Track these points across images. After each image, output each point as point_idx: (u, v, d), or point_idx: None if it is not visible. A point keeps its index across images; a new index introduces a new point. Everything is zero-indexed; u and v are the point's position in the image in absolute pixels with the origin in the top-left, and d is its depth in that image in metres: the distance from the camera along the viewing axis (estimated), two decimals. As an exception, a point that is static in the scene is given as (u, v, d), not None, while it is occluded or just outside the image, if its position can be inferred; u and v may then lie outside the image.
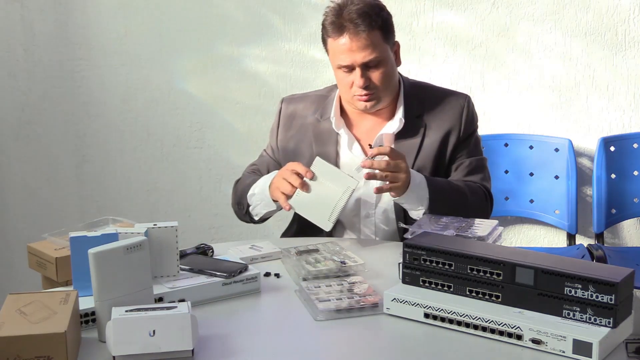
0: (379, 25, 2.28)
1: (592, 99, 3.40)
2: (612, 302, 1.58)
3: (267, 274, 2.04)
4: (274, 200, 2.30)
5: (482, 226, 2.04)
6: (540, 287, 1.66)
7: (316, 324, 1.76)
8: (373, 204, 2.37)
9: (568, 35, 3.37)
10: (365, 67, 2.28)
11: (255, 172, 2.49)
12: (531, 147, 3.44)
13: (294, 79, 3.56)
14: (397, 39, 2.38)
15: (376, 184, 2.24)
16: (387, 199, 2.35)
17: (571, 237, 3.41)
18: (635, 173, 3.39)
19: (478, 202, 2.32)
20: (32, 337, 1.53)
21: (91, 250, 1.65)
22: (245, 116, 3.65)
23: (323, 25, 2.33)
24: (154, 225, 1.87)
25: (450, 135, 2.37)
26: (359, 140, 2.40)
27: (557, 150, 3.40)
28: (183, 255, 2.00)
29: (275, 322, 1.84)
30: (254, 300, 1.91)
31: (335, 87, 2.47)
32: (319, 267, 1.99)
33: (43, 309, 1.63)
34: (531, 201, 3.45)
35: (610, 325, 1.59)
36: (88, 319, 1.74)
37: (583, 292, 1.61)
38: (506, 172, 3.46)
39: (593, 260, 3.15)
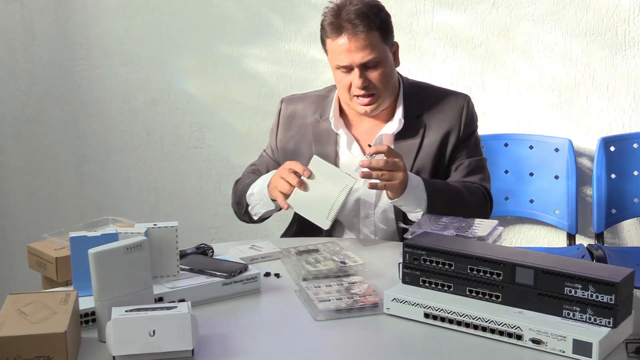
0: (377, 26, 2.28)
1: (592, 99, 3.40)
2: (612, 302, 1.58)
3: (267, 274, 2.04)
4: (272, 200, 2.30)
5: (482, 226, 2.04)
6: (540, 287, 1.66)
7: (316, 324, 1.76)
8: (372, 204, 2.37)
9: (568, 35, 3.37)
10: (364, 67, 2.28)
11: (255, 172, 2.49)
12: (531, 147, 3.44)
13: (294, 79, 3.56)
14: (396, 39, 2.38)
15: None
16: (387, 199, 2.34)
17: (571, 237, 3.41)
18: (635, 173, 3.39)
19: (477, 203, 2.32)
20: (32, 337, 1.53)
21: (91, 250, 1.65)
22: (245, 116, 3.65)
23: (322, 25, 2.33)
24: (154, 225, 1.87)
25: (450, 136, 2.37)
26: (358, 141, 2.40)
27: (557, 150, 3.40)
28: (183, 255, 2.00)
29: (275, 322, 1.84)
30: (254, 300, 1.91)
31: (334, 87, 2.47)
32: (319, 267, 1.99)
33: (43, 309, 1.63)
34: (531, 201, 3.45)
35: (610, 325, 1.59)
36: (88, 319, 1.74)
37: (583, 292, 1.61)
38: (506, 172, 3.46)
39: (593, 260, 3.15)
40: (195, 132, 3.70)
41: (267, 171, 2.42)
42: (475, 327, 1.67)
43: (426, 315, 1.73)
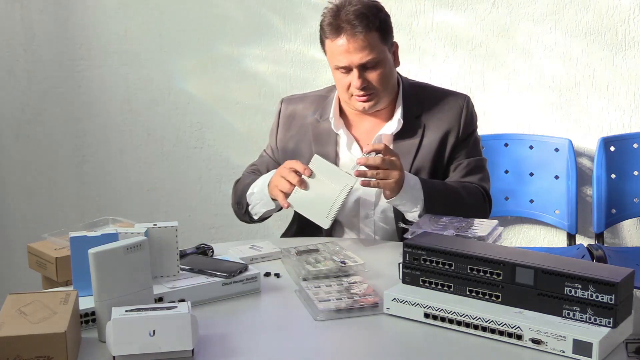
0: (376, 27, 2.27)
1: (592, 99, 3.40)
2: (612, 302, 1.58)
3: (267, 274, 2.04)
4: (273, 199, 2.30)
5: (482, 226, 2.04)
6: (540, 287, 1.66)
7: (316, 324, 1.76)
8: (372, 204, 2.37)
9: (568, 35, 3.37)
10: (363, 68, 2.28)
11: (255, 172, 2.49)
12: (531, 147, 3.44)
13: (294, 79, 3.56)
14: (396, 39, 2.38)
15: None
16: (387, 198, 2.35)
17: (571, 237, 3.41)
18: (635, 173, 3.39)
19: (475, 203, 2.31)
20: (32, 337, 1.53)
21: (91, 250, 1.65)
22: (245, 116, 3.65)
23: (321, 26, 2.33)
24: (154, 225, 1.87)
25: (449, 136, 2.37)
26: (357, 141, 2.40)
27: (557, 150, 3.40)
28: (183, 255, 2.00)
29: (275, 322, 1.84)
30: (254, 300, 1.91)
31: (334, 87, 2.47)
32: (319, 267, 1.99)
33: (43, 309, 1.63)
34: (531, 201, 3.45)
35: (610, 325, 1.59)
36: (88, 319, 1.74)
37: (583, 292, 1.61)
38: (506, 172, 3.46)
39: (593, 260, 3.15)
40: (195, 132, 3.70)
41: (267, 171, 2.42)
42: (475, 327, 1.67)
43: (426, 315, 1.73)
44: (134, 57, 3.66)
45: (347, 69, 2.30)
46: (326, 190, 2.17)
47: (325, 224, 2.19)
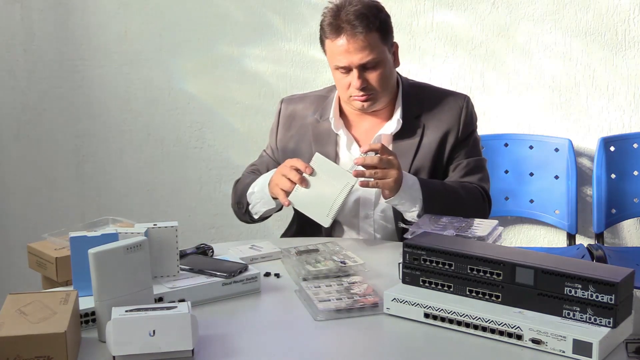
0: (376, 27, 2.27)
1: (592, 99, 3.40)
2: (612, 302, 1.58)
3: (267, 274, 2.04)
4: (273, 198, 2.29)
5: (482, 226, 2.04)
6: (540, 287, 1.66)
7: (316, 324, 1.76)
8: (372, 204, 2.37)
9: (568, 35, 3.37)
10: (363, 68, 2.28)
11: (255, 172, 2.49)
12: (531, 147, 3.44)
13: (294, 79, 3.56)
14: (396, 39, 2.38)
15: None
16: (387, 198, 2.35)
17: (571, 237, 3.41)
18: (635, 173, 3.39)
19: (474, 203, 2.31)
20: (32, 337, 1.53)
21: (91, 250, 1.65)
22: (245, 116, 3.65)
23: (321, 26, 2.33)
24: (154, 225, 1.87)
25: (449, 136, 2.37)
26: (357, 141, 2.40)
27: (557, 150, 3.40)
28: (183, 255, 2.00)
29: (275, 322, 1.84)
30: (254, 300, 1.91)
31: (334, 87, 2.47)
32: (319, 267, 1.99)
33: (43, 309, 1.63)
34: (531, 201, 3.45)
35: (610, 325, 1.59)
36: (88, 319, 1.74)
37: (583, 292, 1.61)
38: (506, 172, 3.46)
39: (593, 260, 3.15)
40: (195, 132, 3.70)
41: (267, 171, 2.42)
42: (475, 327, 1.67)
43: (426, 315, 1.73)
44: (134, 57, 3.66)
45: (347, 69, 2.30)
46: (327, 188, 2.17)
47: (326, 222, 2.18)
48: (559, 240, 3.52)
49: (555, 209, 3.41)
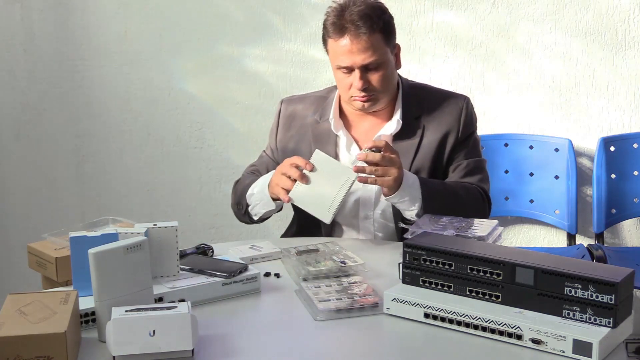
0: (380, 28, 2.27)
1: (592, 99, 3.40)
2: (612, 302, 1.58)
3: (267, 274, 2.04)
4: (273, 200, 2.29)
5: (482, 226, 2.04)
6: (540, 287, 1.66)
7: (316, 324, 1.76)
8: (372, 204, 2.37)
9: (568, 35, 3.37)
10: (365, 69, 2.28)
11: (255, 172, 2.49)
12: (531, 147, 3.44)
13: (294, 79, 3.56)
14: (397, 39, 2.38)
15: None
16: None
17: (571, 237, 3.41)
18: (635, 173, 3.39)
19: (474, 203, 2.31)
20: (32, 337, 1.53)
21: (91, 250, 1.65)
22: (245, 116, 3.65)
23: (324, 25, 2.33)
24: (154, 225, 1.87)
25: (449, 137, 2.37)
26: (357, 142, 2.40)
27: (557, 150, 3.40)
28: (183, 255, 2.00)
29: (275, 322, 1.84)
30: (254, 300, 1.91)
31: (334, 88, 2.47)
32: (319, 267, 1.99)
33: (43, 309, 1.63)
34: (531, 201, 3.45)
35: (610, 325, 1.59)
36: (88, 319, 1.74)
37: (583, 292, 1.61)
38: (506, 172, 3.46)
39: (593, 260, 3.15)
40: (195, 132, 3.70)
41: (267, 172, 2.42)
42: (475, 327, 1.67)
43: (426, 315, 1.73)
44: (134, 57, 3.66)
45: (349, 70, 2.29)
46: (328, 184, 2.17)
47: (327, 218, 2.17)
48: (559, 240, 3.52)
49: (555, 209, 3.41)
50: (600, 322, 1.59)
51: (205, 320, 1.73)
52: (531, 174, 3.45)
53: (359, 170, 2.15)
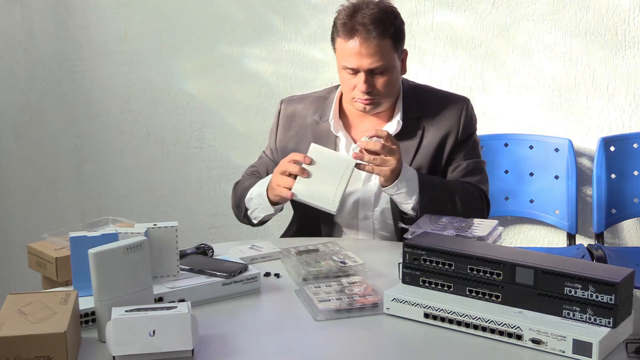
0: (390, 34, 2.26)
1: (592, 99, 3.40)
2: (612, 302, 1.58)
3: (267, 274, 2.04)
4: (272, 204, 2.28)
5: (482, 226, 2.04)
6: (540, 287, 1.66)
7: (316, 324, 1.76)
8: (371, 205, 2.37)
9: (568, 35, 3.37)
10: (370, 72, 2.27)
11: (255, 173, 2.49)
12: (531, 147, 3.44)
13: (294, 79, 3.56)
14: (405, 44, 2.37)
15: (372, 177, 2.23)
16: (386, 199, 2.35)
17: (571, 237, 3.41)
18: (635, 173, 3.39)
19: (472, 201, 2.31)
20: (32, 337, 1.53)
21: (91, 250, 1.65)
22: (245, 116, 3.65)
23: (334, 23, 2.31)
24: (154, 225, 1.87)
25: (448, 138, 2.37)
26: (357, 143, 2.40)
27: (557, 150, 3.40)
28: (183, 255, 2.00)
29: (275, 322, 1.84)
30: (254, 300, 1.91)
31: (334, 88, 2.47)
32: (319, 267, 1.99)
33: (43, 309, 1.63)
34: (531, 201, 3.45)
35: (610, 325, 1.59)
36: (88, 319, 1.74)
37: (583, 292, 1.61)
38: (506, 172, 3.46)
39: (593, 260, 3.15)
40: (195, 132, 3.70)
41: (267, 172, 2.42)
42: (475, 327, 1.67)
43: (426, 315, 1.73)
44: (134, 57, 3.66)
45: (355, 71, 2.28)
46: (329, 175, 2.16)
47: (333, 207, 2.16)
48: (559, 240, 3.52)
49: (555, 209, 3.41)
50: (600, 322, 1.59)
51: (205, 320, 1.73)
52: (531, 174, 3.45)
53: (357, 157, 2.15)
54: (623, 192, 3.38)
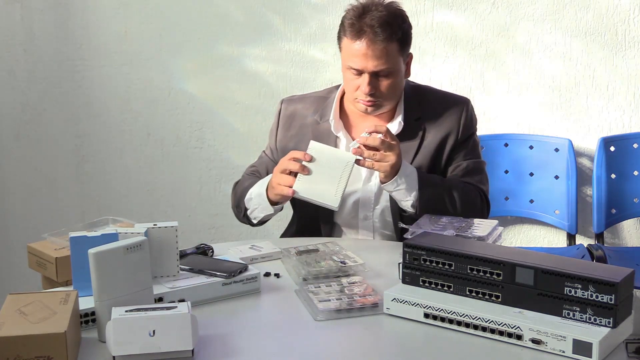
0: (398, 38, 2.26)
1: (592, 99, 3.40)
2: (612, 302, 1.58)
3: (267, 274, 2.04)
4: (272, 204, 2.28)
5: (482, 226, 2.04)
6: (540, 287, 1.66)
7: (316, 324, 1.76)
8: (371, 205, 2.37)
9: (568, 35, 3.37)
10: (375, 75, 2.27)
11: (255, 173, 2.49)
12: (531, 147, 3.44)
13: (294, 79, 3.56)
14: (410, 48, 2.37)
15: (372, 178, 2.23)
16: (386, 199, 2.35)
17: (571, 237, 3.41)
18: (635, 173, 3.39)
19: (471, 200, 2.31)
20: (32, 337, 1.53)
21: (91, 250, 1.65)
22: (245, 116, 3.65)
23: (342, 22, 2.31)
24: (154, 225, 1.87)
25: (448, 138, 2.37)
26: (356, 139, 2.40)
27: (557, 150, 3.40)
28: (183, 255, 2.00)
29: (275, 322, 1.84)
30: (254, 300, 1.91)
31: (335, 88, 2.47)
32: (319, 267, 1.99)
33: (43, 309, 1.63)
34: (531, 201, 3.45)
35: (610, 325, 1.59)
36: (88, 319, 1.74)
37: (583, 292, 1.61)
38: (506, 172, 3.46)
39: (593, 260, 3.15)
40: (195, 132, 3.70)
41: (267, 172, 2.42)
42: (475, 327, 1.67)
43: (426, 315, 1.73)
44: (134, 57, 3.66)
45: (359, 72, 2.28)
46: (329, 171, 2.16)
47: (335, 203, 2.16)
48: (559, 240, 3.52)
49: (555, 209, 3.41)
50: (600, 322, 1.59)
51: (205, 320, 1.73)
52: (531, 174, 3.45)
53: (357, 152, 2.15)
54: (623, 192, 3.38)
